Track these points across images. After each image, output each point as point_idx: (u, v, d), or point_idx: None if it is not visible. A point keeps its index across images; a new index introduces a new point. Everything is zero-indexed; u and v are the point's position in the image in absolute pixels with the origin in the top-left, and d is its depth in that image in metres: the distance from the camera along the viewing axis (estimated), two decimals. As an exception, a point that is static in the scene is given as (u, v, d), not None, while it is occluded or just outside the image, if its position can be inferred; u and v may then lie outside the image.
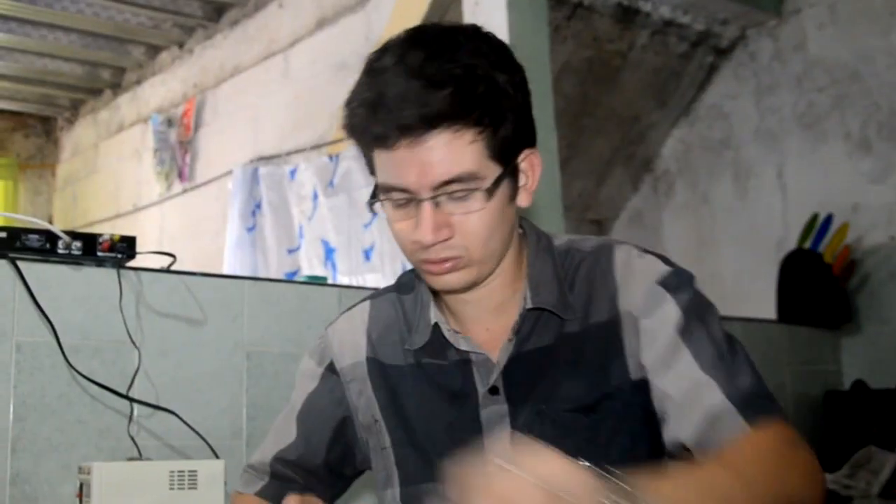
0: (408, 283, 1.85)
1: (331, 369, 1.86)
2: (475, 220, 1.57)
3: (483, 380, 1.70)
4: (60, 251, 2.44)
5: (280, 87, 6.81)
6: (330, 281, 4.71)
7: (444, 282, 1.64)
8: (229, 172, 6.75)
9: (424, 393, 1.76)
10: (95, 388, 2.45)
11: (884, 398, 4.42)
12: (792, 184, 5.39)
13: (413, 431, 1.76)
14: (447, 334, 1.72)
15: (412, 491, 1.76)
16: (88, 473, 2.16)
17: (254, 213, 6.26)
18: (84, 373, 2.43)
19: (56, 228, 2.45)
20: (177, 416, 2.56)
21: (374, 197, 1.62)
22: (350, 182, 5.51)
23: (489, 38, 1.61)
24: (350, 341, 1.86)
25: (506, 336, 1.70)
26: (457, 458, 1.66)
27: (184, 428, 2.56)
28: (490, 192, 1.56)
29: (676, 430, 1.60)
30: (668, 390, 1.61)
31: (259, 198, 6.24)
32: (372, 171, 1.63)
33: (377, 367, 1.81)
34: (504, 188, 1.60)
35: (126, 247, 2.54)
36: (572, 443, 1.58)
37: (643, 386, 1.64)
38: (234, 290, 2.82)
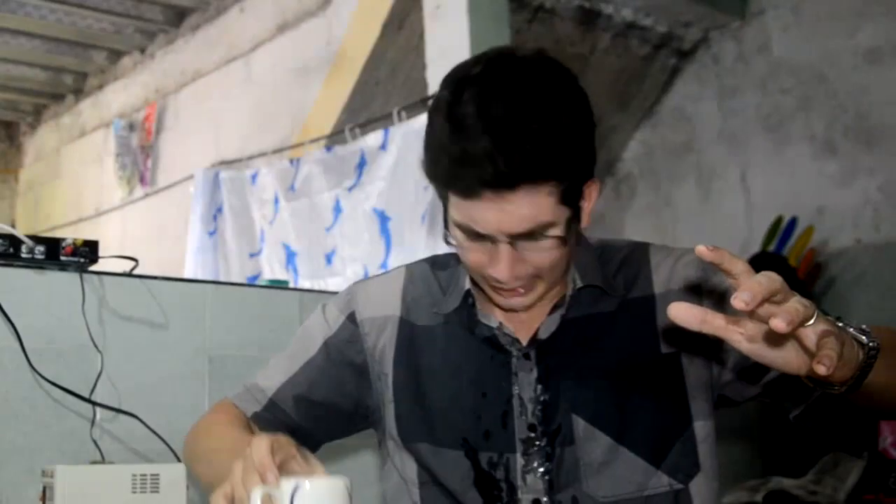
0: (444, 261, 1.92)
1: (351, 319, 1.90)
2: (549, 257, 1.65)
3: (515, 345, 1.79)
4: (23, 255, 2.43)
5: (241, 91, 6.80)
6: (291, 285, 4.72)
7: (511, 303, 1.73)
8: (191, 177, 6.71)
9: (453, 348, 1.82)
10: (58, 391, 2.43)
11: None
12: (756, 186, 5.41)
13: (426, 391, 1.82)
14: (478, 312, 1.80)
15: (411, 448, 1.82)
16: (52, 477, 2.15)
17: (215, 217, 6.22)
18: (47, 377, 2.42)
19: (19, 233, 2.43)
20: (139, 419, 2.54)
21: (446, 227, 1.68)
22: (311, 186, 5.49)
23: (564, 79, 1.64)
24: (380, 297, 1.92)
25: (541, 315, 1.78)
26: (476, 409, 1.77)
27: (146, 432, 2.55)
28: (564, 239, 1.64)
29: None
30: None
31: (220, 202, 6.22)
32: (444, 204, 1.67)
33: (407, 328, 1.86)
34: (573, 225, 1.67)
35: (88, 251, 2.53)
36: (602, 407, 1.74)
37: (673, 360, 1.76)
38: (196, 294, 2.82)
